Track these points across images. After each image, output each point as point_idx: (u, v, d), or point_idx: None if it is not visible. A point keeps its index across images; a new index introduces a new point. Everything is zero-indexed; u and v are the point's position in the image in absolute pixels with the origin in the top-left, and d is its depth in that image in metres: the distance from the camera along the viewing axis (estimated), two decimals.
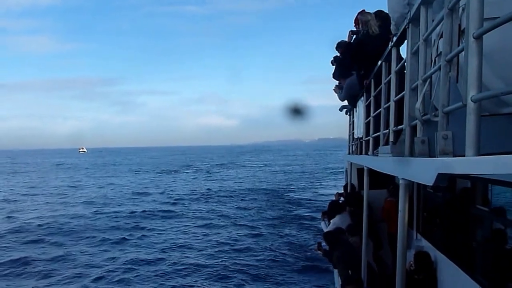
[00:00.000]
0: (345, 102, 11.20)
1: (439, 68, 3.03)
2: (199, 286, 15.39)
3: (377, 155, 6.00)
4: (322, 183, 49.16)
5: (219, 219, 28.48)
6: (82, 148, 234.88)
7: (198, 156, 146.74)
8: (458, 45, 2.86)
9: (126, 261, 18.62)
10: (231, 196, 40.26)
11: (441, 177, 2.26)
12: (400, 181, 3.40)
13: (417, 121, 3.67)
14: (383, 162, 5.08)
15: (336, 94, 9.86)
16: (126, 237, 23.27)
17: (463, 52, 2.67)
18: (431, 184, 2.36)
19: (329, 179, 53.89)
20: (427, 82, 3.52)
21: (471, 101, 2.27)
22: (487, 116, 2.83)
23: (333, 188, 36.50)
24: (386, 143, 5.27)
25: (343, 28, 10.31)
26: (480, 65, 2.28)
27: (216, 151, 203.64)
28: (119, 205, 35.56)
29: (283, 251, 19.89)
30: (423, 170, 2.61)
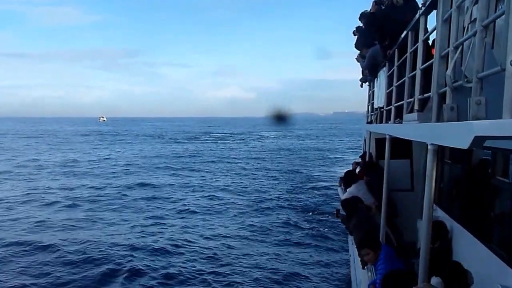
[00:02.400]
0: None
1: (474, 34, 3.04)
2: (219, 247, 15.84)
3: (400, 123, 6.01)
4: (337, 156, 49.38)
5: (236, 188, 28.84)
6: (102, 117, 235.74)
7: (215, 127, 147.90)
8: (495, 11, 2.86)
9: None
10: (249, 164, 41.44)
11: (477, 140, 2.31)
12: (429, 147, 3.45)
13: (445, 88, 3.68)
14: (409, 129, 5.09)
15: (359, 63, 9.84)
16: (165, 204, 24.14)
17: (499, 18, 2.68)
18: (467, 147, 2.40)
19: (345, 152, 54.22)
20: (459, 49, 3.53)
21: (511, 65, 2.30)
22: None
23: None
24: (411, 111, 5.29)
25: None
26: None
27: (234, 122, 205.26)
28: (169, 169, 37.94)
29: (299, 216, 20.26)
30: (457, 134, 2.66)
